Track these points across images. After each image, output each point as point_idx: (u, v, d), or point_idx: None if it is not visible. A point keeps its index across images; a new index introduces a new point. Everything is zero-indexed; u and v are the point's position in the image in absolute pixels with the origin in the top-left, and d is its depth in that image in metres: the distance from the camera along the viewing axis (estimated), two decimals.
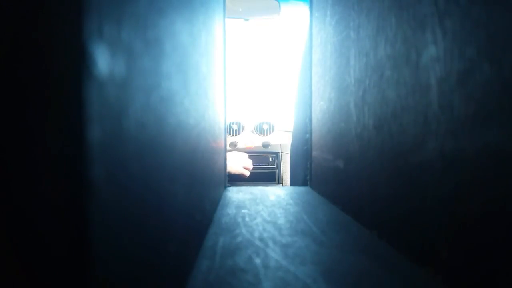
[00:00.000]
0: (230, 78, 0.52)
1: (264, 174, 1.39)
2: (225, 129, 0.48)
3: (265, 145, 1.43)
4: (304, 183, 0.53)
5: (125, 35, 0.09)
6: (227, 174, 0.52)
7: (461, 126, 0.15)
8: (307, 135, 0.52)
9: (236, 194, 0.42)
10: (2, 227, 0.08)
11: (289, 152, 1.31)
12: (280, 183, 1.38)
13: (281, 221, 0.29)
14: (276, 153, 1.42)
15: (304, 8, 1.36)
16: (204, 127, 0.24)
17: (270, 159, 1.41)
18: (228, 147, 1.42)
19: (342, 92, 0.33)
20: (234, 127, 1.50)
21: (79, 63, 0.07)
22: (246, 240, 0.24)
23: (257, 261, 0.20)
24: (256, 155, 1.41)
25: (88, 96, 0.08)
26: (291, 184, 0.69)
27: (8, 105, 0.08)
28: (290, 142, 1.20)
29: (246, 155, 1.21)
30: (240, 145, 1.44)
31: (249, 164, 1.15)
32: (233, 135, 1.49)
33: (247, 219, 0.30)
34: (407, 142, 0.20)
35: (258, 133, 1.51)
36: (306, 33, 0.53)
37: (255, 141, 1.46)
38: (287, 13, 1.41)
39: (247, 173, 1.13)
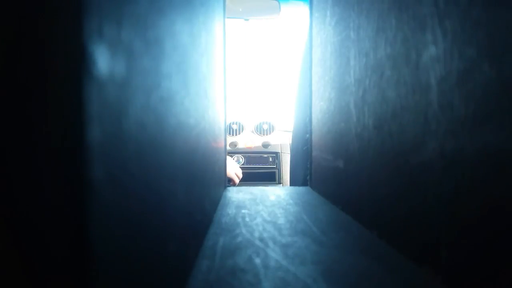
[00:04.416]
0: (230, 78, 0.52)
1: (264, 174, 1.39)
2: (225, 129, 0.48)
3: (265, 145, 1.43)
4: (304, 183, 0.53)
5: (125, 35, 0.09)
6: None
7: (461, 126, 0.15)
8: (307, 135, 0.52)
9: (236, 194, 0.42)
10: (2, 227, 0.08)
11: (289, 152, 1.31)
12: (280, 183, 1.38)
13: (281, 221, 0.29)
14: (276, 153, 1.42)
15: (304, 8, 1.36)
16: (204, 127, 0.24)
17: (270, 159, 1.41)
18: (228, 147, 1.42)
19: (342, 92, 0.33)
20: (234, 127, 1.50)
21: (79, 63, 0.07)
22: (246, 240, 0.24)
23: (257, 261, 0.20)
24: (256, 155, 1.41)
25: (88, 96, 0.08)
26: (291, 184, 0.69)
27: (8, 105, 0.08)
28: (290, 142, 1.20)
29: (237, 164, 1.29)
30: (240, 145, 1.44)
31: (240, 173, 1.21)
32: (233, 135, 1.49)
33: (247, 219, 0.30)
34: (407, 142, 0.20)
35: (258, 133, 1.51)
36: (306, 33, 0.53)
37: (255, 141, 1.46)
38: (287, 13, 1.41)
39: (237, 180, 1.18)
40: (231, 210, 0.33)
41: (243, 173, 1.38)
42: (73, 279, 0.08)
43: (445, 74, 0.17)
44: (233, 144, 1.43)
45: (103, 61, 0.08)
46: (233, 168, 1.17)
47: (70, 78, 0.07)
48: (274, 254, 0.21)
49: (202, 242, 0.23)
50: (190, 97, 0.19)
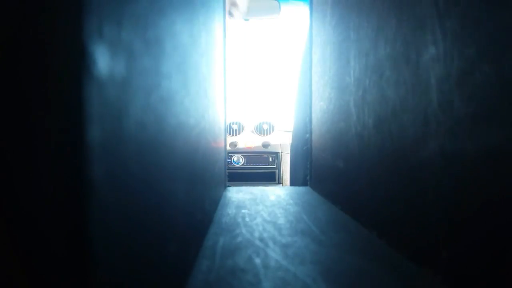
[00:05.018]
0: (230, 78, 0.52)
1: (264, 174, 1.39)
2: (225, 129, 0.48)
3: (265, 145, 1.44)
4: (304, 183, 0.53)
5: (125, 35, 0.09)
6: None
7: (461, 126, 0.15)
8: (307, 135, 0.52)
9: (236, 194, 0.42)
10: (2, 227, 0.08)
11: (289, 152, 1.31)
12: (280, 183, 1.38)
13: (281, 221, 0.29)
14: (276, 153, 1.42)
15: (304, 8, 1.36)
16: (204, 127, 0.24)
17: (270, 159, 1.41)
18: (228, 147, 1.42)
19: (342, 92, 0.33)
20: (234, 127, 1.50)
21: (79, 63, 0.07)
22: (246, 240, 0.24)
23: (257, 261, 0.20)
24: (256, 155, 1.41)
25: (88, 96, 0.08)
26: (291, 184, 0.69)
27: (8, 105, 0.08)
28: (290, 142, 1.20)
29: None
30: (240, 145, 1.44)
31: None
32: (233, 135, 1.49)
33: (247, 219, 0.30)
34: (407, 142, 0.20)
35: (258, 133, 1.51)
36: (306, 33, 0.53)
37: (255, 141, 1.46)
38: (287, 13, 1.41)
39: None
40: (231, 210, 0.33)
41: (243, 173, 1.38)
42: (73, 279, 0.08)
43: (445, 74, 0.17)
44: (233, 144, 1.44)
45: (103, 61, 0.08)
46: None
47: (70, 78, 0.07)
48: (274, 254, 0.21)
49: (202, 242, 0.23)
50: (190, 97, 0.19)
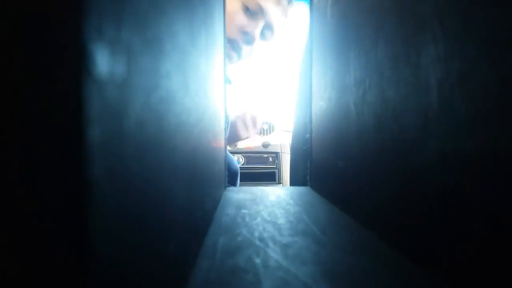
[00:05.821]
0: (230, 78, 0.52)
1: (264, 174, 1.39)
2: (225, 128, 0.48)
3: (265, 145, 1.44)
4: (304, 183, 0.54)
5: (125, 35, 0.09)
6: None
7: (462, 126, 0.15)
8: (307, 135, 0.52)
9: (236, 194, 0.42)
10: (1, 228, 0.08)
11: (289, 152, 1.32)
12: (280, 183, 1.38)
13: (281, 221, 0.29)
14: (276, 153, 1.42)
15: (304, 8, 1.36)
16: (204, 127, 0.24)
17: (270, 159, 1.41)
18: (228, 147, 1.42)
19: (342, 92, 0.33)
20: None
21: (79, 63, 0.07)
22: (246, 240, 0.24)
23: (257, 261, 0.20)
24: (256, 155, 1.41)
25: (88, 96, 0.08)
26: (291, 184, 0.69)
27: (7, 105, 0.08)
28: (290, 142, 1.20)
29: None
30: (240, 145, 1.44)
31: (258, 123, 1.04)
32: None
33: (247, 219, 0.30)
34: (407, 142, 0.20)
35: (258, 133, 1.51)
36: (306, 33, 0.54)
37: (255, 141, 1.46)
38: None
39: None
40: (231, 210, 0.33)
41: (243, 173, 1.38)
42: (73, 279, 0.08)
43: (445, 74, 0.17)
44: (233, 144, 1.44)
45: (103, 61, 0.08)
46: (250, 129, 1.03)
47: (69, 78, 0.07)
48: (274, 254, 0.21)
49: (202, 242, 0.23)
50: (190, 96, 0.19)
